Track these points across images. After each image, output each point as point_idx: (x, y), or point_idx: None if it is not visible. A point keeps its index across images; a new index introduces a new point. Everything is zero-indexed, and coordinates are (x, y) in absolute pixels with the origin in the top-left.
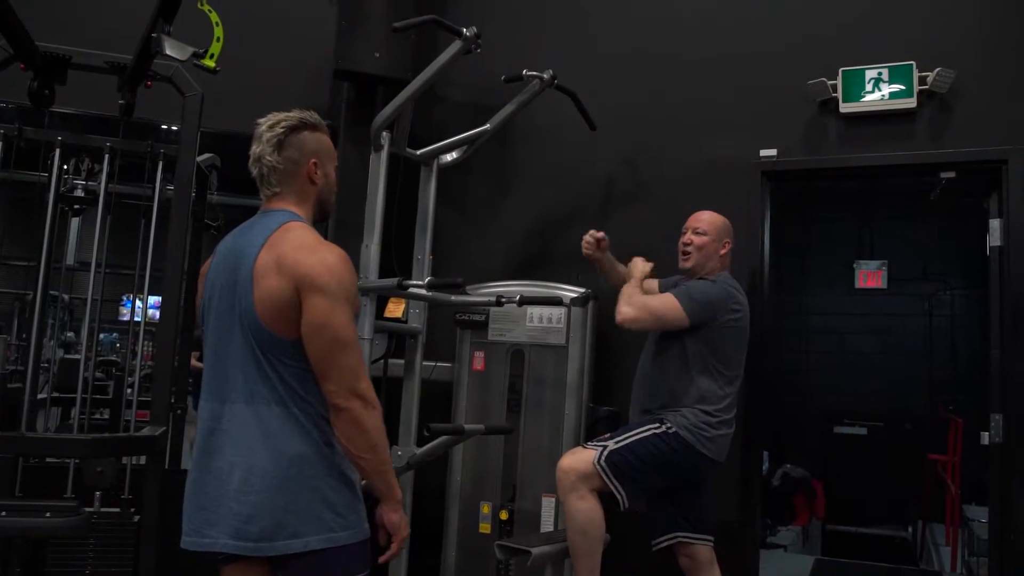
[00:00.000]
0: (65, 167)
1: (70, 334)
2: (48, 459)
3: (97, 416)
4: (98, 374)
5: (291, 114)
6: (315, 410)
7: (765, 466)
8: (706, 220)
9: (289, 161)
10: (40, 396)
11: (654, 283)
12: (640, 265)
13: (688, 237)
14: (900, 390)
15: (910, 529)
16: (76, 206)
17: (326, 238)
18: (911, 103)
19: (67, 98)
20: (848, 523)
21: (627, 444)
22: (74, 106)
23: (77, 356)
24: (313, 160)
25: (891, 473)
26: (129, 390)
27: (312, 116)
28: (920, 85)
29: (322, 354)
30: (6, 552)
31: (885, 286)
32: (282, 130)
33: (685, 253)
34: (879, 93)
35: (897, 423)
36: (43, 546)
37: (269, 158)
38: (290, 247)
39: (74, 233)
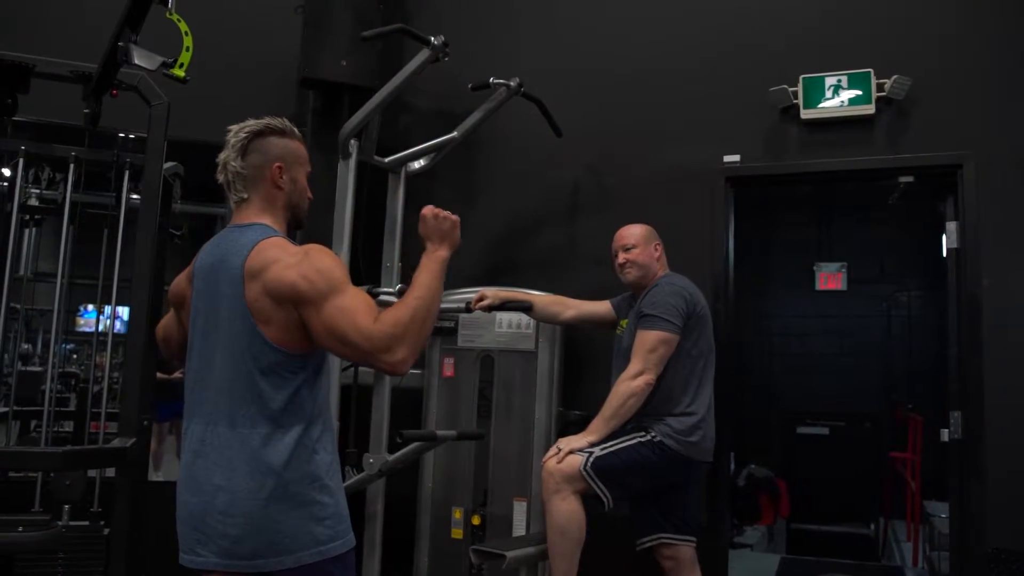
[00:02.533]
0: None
1: (26, 346)
2: (11, 473)
3: (58, 429)
4: (58, 386)
5: (259, 120)
6: (300, 426)
7: (732, 467)
8: (631, 234)
9: (252, 167)
10: (2, 410)
11: (606, 303)
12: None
13: (622, 257)
14: (860, 390)
15: (872, 526)
16: (37, 216)
17: None
18: (869, 109)
19: (31, 106)
20: (812, 521)
21: (613, 451)
22: (38, 115)
23: (35, 368)
24: (277, 164)
25: (853, 472)
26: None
27: (280, 122)
28: (878, 92)
29: (348, 352)
30: None
31: (845, 288)
32: (246, 135)
33: (625, 271)
34: (838, 99)
35: (858, 422)
36: (12, 560)
37: (233, 163)
38: (276, 269)
39: (30, 243)
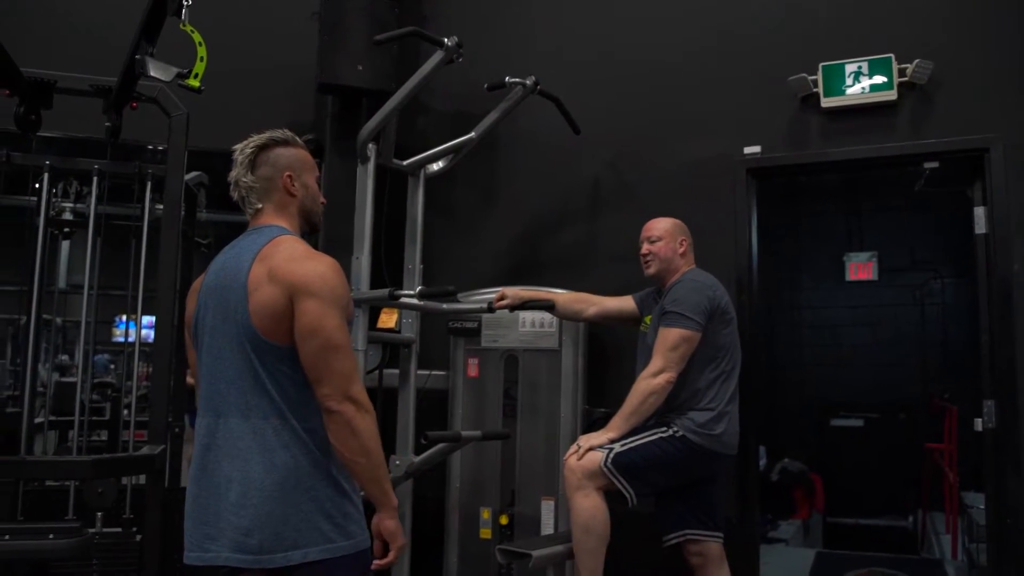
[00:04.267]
0: (54, 190)
1: (64, 357)
2: (48, 482)
3: (96, 438)
4: (94, 396)
5: (262, 134)
6: (311, 420)
7: (763, 461)
8: (657, 227)
9: (263, 179)
10: (37, 420)
11: (629, 299)
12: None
13: (645, 248)
14: (894, 380)
15: (910, 519)
16: (66, 229)
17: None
18: (892, 95)
19: (55, 122)
20: (848, 515)
21: (634, 447)
22: (61, 130)
23: (72, 379)
24: (287, 173)
25: (889, 463)
26: (126, 411)
27: (283, 132)
28: (900, 77)
29: (315, 358)
30: (9, 575)
31: (876, 277)
32: (251, 150)
33: (647, 263)
34: (859, 86)
35: (892, 413)
36: (46, 568)
37: (244, 179)
38: (281, 258)
39: (64, 256)
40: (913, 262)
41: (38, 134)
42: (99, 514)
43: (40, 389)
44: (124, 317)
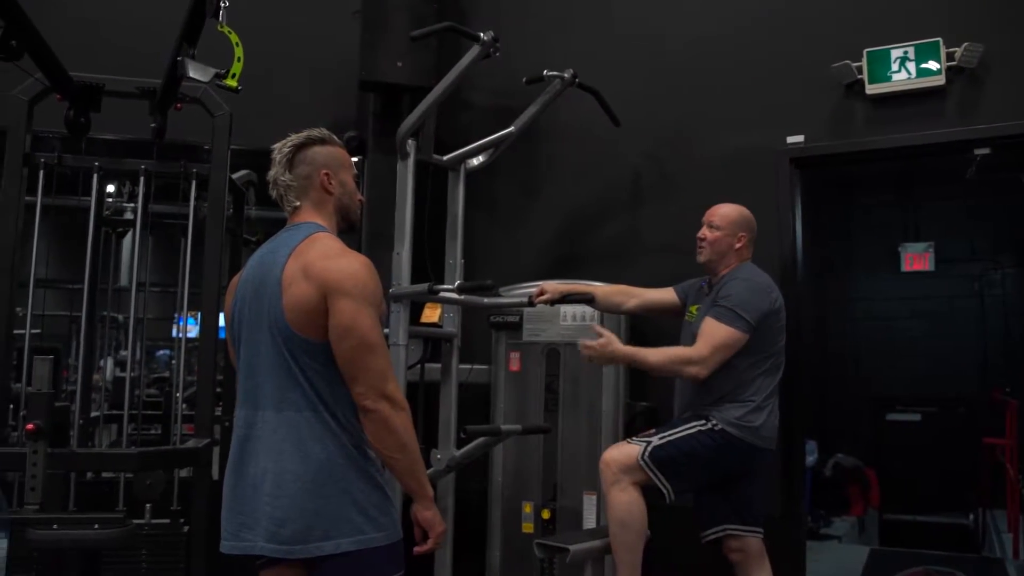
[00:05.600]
0: (113, 190)
1: (124, 353)
2: (105, 474)
3: (154, 432)
4: (152, 391)
5: (300, 133)
6: (345, 414)
7: (814, 457)
8: (720, 214)
9: (301, 177)
10: (94, 414)
11: (671, 291)
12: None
13: (703, 232)
14: (952, 374)
15: (971, 516)
16: (120, 228)
17: (359, 247)
18: (939, 80)
19: (103, 125)
20: (906, 512)
21: (672, 440)
22: (112, 132)
23: (132, 374)
24: (324, 172)
25: (948, 459)
26: (185, 405)
27: (320, 131)
28: (948, 61)
29: (350, 357)
30: (61, 563)
31: (932, 268)
32: (289, 149)
33: (699, 247)
34: (906, 72)
35: (951, 408)
36: (97, 557)
37: (282, 178)
38: (316, 255)
39: (126, 254)
40: (972, 252)
41: (91, 136)
42: (148, 505)
43: (103, 384)
44: (184, 314)
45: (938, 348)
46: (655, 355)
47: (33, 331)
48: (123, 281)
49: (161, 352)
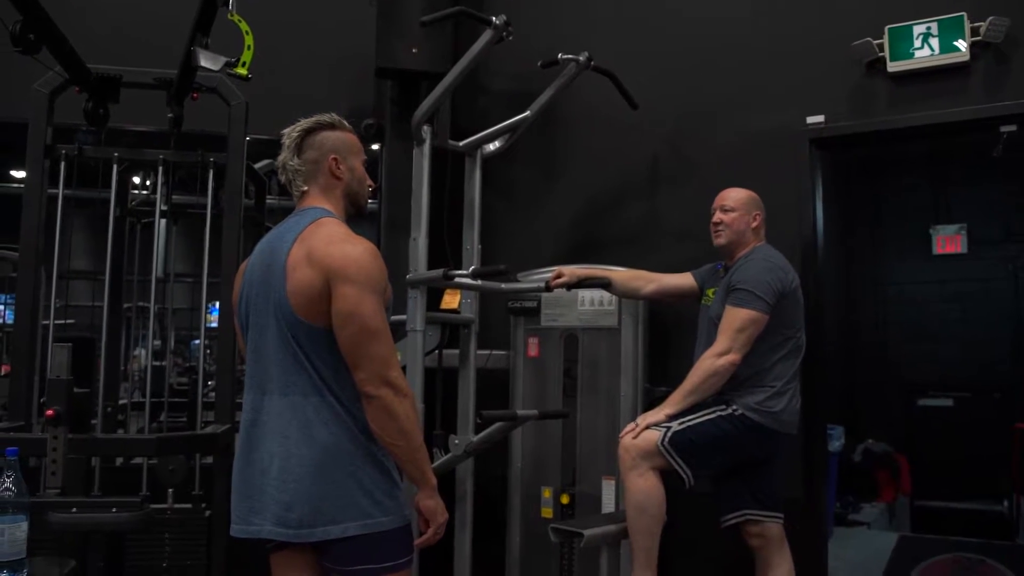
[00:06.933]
0: (147, 182)
1: (157, 342)
2: (135, 460)
3: (181, 419)
4: (183, 379)
5: (309, 118)
6: (351, 398)
7: (841, 442)
8: (732, 196)
9: (309, 162)
10: (122, 401)
11: (688, 275)
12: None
13: (717, 216)
14: (986, 358)
15: (1005, 503)
16: (144, 219)
17: (378, 234)
18: (964, 56)
19: (123, 116)
20: (938, 498)
21: (691, 425)
22: (140, 124)
23: (163, 363)
24: (333, 156)
25: (981, 445)
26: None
27: (330, 116)
28: (973, 37)
29: (352, 343)
30: (87, 545)
31: (965, 251)
32: (298, 134)
33: (717, 232)
34: (929, 49)
35: (985, 393)
36: (122, 540)
37: (291, 163)
38: (320, 241)
39: (161, 245)
40: (1006, 233)
41: (119, 128)
42: (170, 490)
43: (134, 373)
44: (205, 303)
45: (971, 332)
46: (687, 383)
47: (67, 321)
48: (158, 272)
49: (196, 342)
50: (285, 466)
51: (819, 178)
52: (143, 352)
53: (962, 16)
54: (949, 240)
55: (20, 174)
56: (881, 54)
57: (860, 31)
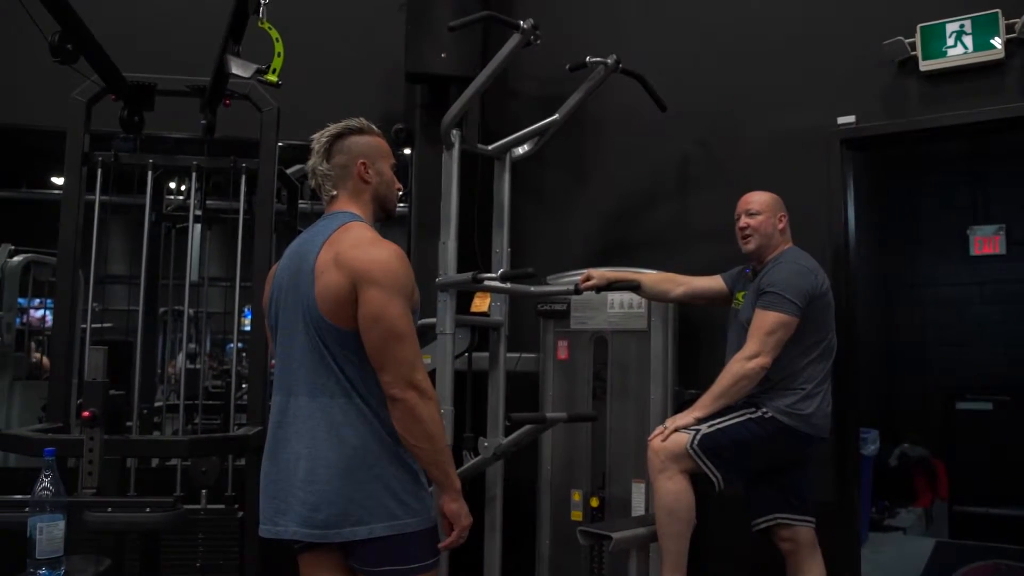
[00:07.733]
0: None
1: (192, 346)
2: (172, 461)
3: (216, 422)
4: (219, 382)
5: (337, 123)
6: (377, 401)
7: (876, 446)
8: (757, 200)
9: (338, 166)
10: (158, 403)
11: (718, 278)
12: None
13: (744, 221)
14: None
15: None
16: (180, 224)
17: (408, 237)
18: (998, 54)
19: (158, 124)
20: (977, 504)
21: (721, 428)
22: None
23: (199, 366)
24: (361, 161)
25: (1021, 449)
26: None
27: (358, 121)
28: (1008, 34)
29: (378, 346)
30: (122, 544)
31: (1004, 251)
32: (327, 139)
33: (745, 237)
34: (962, 47)
35: None
36: (157, 540)
37: (320, 167)
38: (348, 244)
39: (196, 249)
40: None
41: (158, 136)
42: (203, 491)
43: (172, 376)
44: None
45: (1010, 334)
46: (716, 386)
47: (104, 324)
48: (193, 276)
49: (231, 345)
50: (312, 467)
51: (851, 179)
52: (180, 356)
53: (996, 13)
54: (987, 241)
55: (59, 180)
56: (913, 53)
57: (892, 30)
